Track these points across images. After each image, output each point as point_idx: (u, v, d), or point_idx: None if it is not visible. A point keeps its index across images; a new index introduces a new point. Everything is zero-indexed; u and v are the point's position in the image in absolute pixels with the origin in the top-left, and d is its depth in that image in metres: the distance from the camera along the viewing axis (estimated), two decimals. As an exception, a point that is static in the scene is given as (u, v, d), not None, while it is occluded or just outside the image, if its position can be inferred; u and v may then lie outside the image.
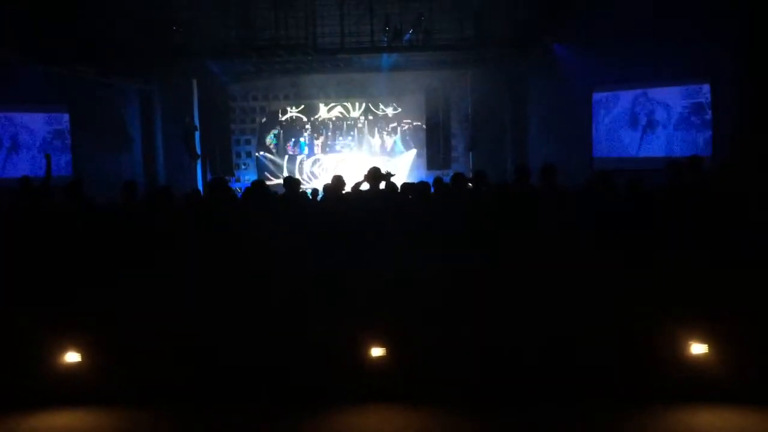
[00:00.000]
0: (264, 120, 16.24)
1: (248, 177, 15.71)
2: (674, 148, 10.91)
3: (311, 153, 16.36)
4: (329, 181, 6.80)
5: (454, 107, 15.81)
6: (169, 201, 5.92)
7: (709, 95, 10.54)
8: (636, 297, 4.60)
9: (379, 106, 16.32)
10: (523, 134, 14.72)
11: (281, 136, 16.27)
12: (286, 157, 16.24)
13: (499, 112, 14.97)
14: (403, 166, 16.04)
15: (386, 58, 13.79)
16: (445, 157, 15.50)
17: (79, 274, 4.98)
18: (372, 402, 4.63)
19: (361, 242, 5.34)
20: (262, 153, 16.23)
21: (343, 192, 6.62)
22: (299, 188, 7.25)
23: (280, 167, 16.17)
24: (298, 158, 16.29)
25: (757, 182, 5.31)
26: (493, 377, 4.64)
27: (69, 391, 4.74)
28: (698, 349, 4.53)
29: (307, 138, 16.32)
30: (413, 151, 16.25)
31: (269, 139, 16.25)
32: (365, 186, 6.41)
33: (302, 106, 16.27)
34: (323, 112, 16.33)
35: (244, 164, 16.20)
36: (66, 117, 13.41)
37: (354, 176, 7.65)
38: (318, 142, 16.35)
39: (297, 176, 15.26)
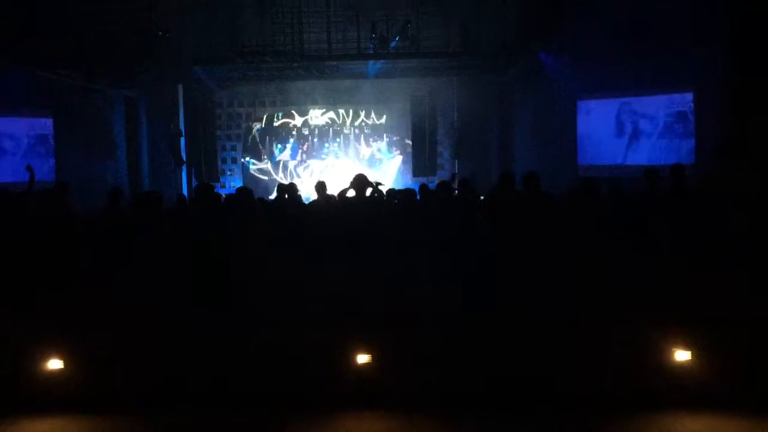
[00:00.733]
0: (250, 126, 16.20)
1: (234, 183, 15.67)
2: (659, 156, 11.00)
3: (296, 159, 16.31)
4: (314, 187, 6.83)
5: (441, 114, 15.84)
6: (154, 207, 5.90)
7: (692, 104, 10.66)
8: (618, 303, 4.63)
9: (365, 112, 16.33)
10: (508, 141, 14.80)
11: (267, 142, 16.23)
12: (272, 163, 16.21)
13: (484, 119, 15.05)
14: (389, 173, 16.06)
15: (372, 65, 13.82)
16: (431, 164, 15.53)
17: (61, 281, 4.95)
18: (358, 409, 4.62)
19: (348, 248, 5.36)
20: (247, 159, 16.18)
21: (328, 197, 6.64)
22: (297, 194, 7.19)
23: (265, 173, 16.13)
24: (285, 164, 16.25)
25: (737, 188, 5.38)
26: (479, 384, 4.65)
27: (52, 398, 4.70)
28: (681, 355, 4.57)
29: (292, 144, 16.30)
30: (399, 158, 16.27)
31: (254, 145, 16.20)
32: (351, 193, 6.41)
33: (288, 112, 16.25)
34: (309, 118, 16.32)
35: (230, 170, 16.14)
36: (50, 122, 13.29)
37: (340, 182, 7.66)
38: (304, 148, 16.32)
39: (282, 182, 15.29)
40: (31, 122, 13.23)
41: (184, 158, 14.81)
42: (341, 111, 16.34)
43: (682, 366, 4.56)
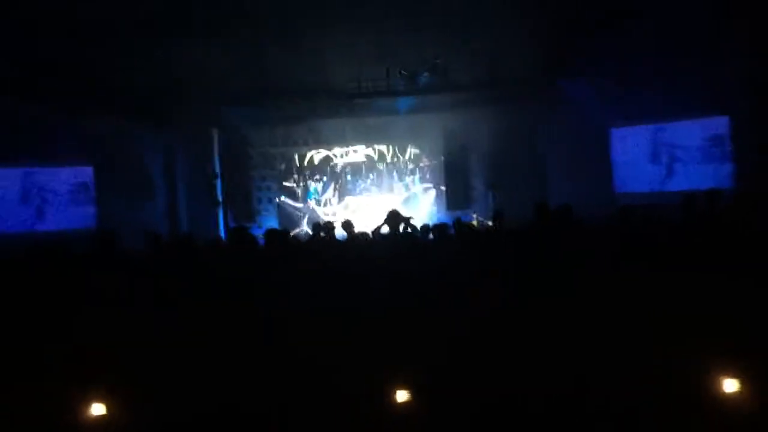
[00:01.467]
0: (283, 166, 16.39)
1: (269, 223, 15.80)
2: (698, 181, 10.83)
3: (330, 196, 16.42)
4: (346, 225, 6.86)
5: (473, 146, 15.83)
6: (190, 250, 5.98)
7: (727, 127, 10.51)
8: (662, 331, 4.52)
9: (397, 148, 16.40)
10: (542, 171, 14.71)
11: (301, 180, 16.38)
12: (306, 201, 16.33)
13: (517, 150, 14.97)
14: (423, 207, 16.06)
15: (403, 102, 13.93)
16: (465, 197, 15.51)
17: (106, 325, 5.01)
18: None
19: (382, 284, 5.34)
20: (282, 198, 16.34)
21: (357, 235, 6.66)
22: (334, 232, 7.23)
23: (301, 211, 16.26)
24: (319, 201, 16.36)
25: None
26: (519, 420, 4.56)
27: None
28: (730, 385, 4.43)
29: (326, 181, 16.42)
30: (432, 192, 16.27)
31: (288, 184, 16.37)
32: (385, 229, 6.42)
33: (321, 150, 16.41)
34: (341, 155, 16.45)
35: (266, 210, 16.29)
36: (90, 170, 13.67)
37: (374, 219, 7.69)
38: (337, 186, 16.43)
39: (319, 220, 15.40)
40: (72, 171, 13.63)
41: (220, 199, 15.04)
42: (373, 147, 16.43)
43: (729, 396, 4.41)
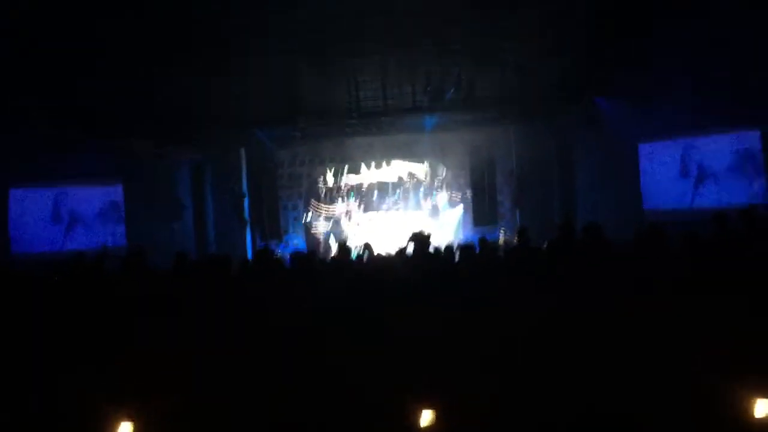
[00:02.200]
0: (311, 184, 16.47)
1: (296, 241, 15.88)
2: (729, 197, 10.64)
3: (358, 213, 16.44)
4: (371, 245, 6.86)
5: (499, 163, 15.79)
6: (219, 270, 6.02)
7: (759, 141, 10.34)
8: (695, 354, 4.43)
9: (423, 164, 16.41)
10: (570, 188, 14.59)
11: (328, 198, 16.45)
12: (333, 219, 16.38)
13: (544, 166, 14.89)
14: (450, 223, 16.01)
15: (429, 119, 13.95)
16: (492, 213, 15.43)
17: (132, 342, 5.06)
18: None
19: (408, 304, 5.32)
20: (309, 216, 16.39)
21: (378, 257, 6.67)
22: (350, 253, 7.27)
23: (328, 229, 16.30)
24: (346, 219, 16.40)
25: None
26: None
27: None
28: (763, 407, 4.31)
29: (353, 199, 16.45)
30: (460, 207, 16.22)
31: (316, 202, 16.44)
32: (410, 249, 6.42)
33: (347, 168, 16.46)
34: (368, 173, 16.49)
35: (292, 228, 16.36)
36: (120, 188, 13.89)
37: (400, 235, 7.69)
38: (364, 203, 16.45)
39: (344, 237, 15.44)
40: (103, 190, 13.87)
41: (248, 218, 15.17)
42: (399, 164, 16.44)
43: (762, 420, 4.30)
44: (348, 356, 4.82)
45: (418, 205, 16.35)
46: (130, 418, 4.79)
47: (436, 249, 6.55)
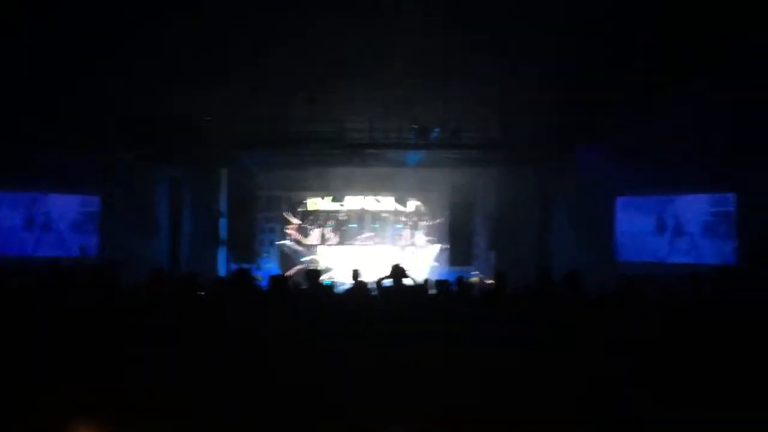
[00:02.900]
0: (289, 210, 16.44)
1: (269, 265, 15.79)
2: (703, 255, 10.85)
3: (334, 243, 16.42)
4: (353, 274, 6.84)
5: (479, 204, 15.93)
6: (192, 289, 5.97)
7: (733, 204, 10.57)
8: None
9: (403, 200, 16.48)
10: (546, 234, 14.71)
11: (306, 225, 16.41)
12: (309, 246, 16.33)
13: (522, 211, 15.00)
14: (426, 261, 16.04)
15: (412, 155, 14.05)
16: (468, 254, 15.52)
17: (100, 356, 4.97)
18: None
19: (383, 338, 5.30)
20: (285, 242, 16.34)
21: (366, 286, 6.65)
22: (319, 280, 7.26)
23: (302, 256, 16.24)
24: (321, 248, 16.36)
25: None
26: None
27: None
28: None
29: (330, 228, 16.44)
30: (437, 246, 16.27)
31: (293, 229, 16.39)
32: (389, 282, 6.42)
33: (328, 198, 16.49)
34: (348, 204, 16.52)
35: (266, 252, 16.27)
36: (97, 200, 13.75)
37: (375, 269, 7.69)
38: (341, 233, 16.44)
39: (319, 266, 15.37)
40: (80, 199, 13.72)
41: (224, 239, 15.07)
42: (379, 198, 16.51)
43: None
44: (322, 382, 4.79)
45: (394, 240, 16.38)
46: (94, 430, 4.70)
47: (414, 282, 6.57)
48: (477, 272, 15.20)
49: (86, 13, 8.60)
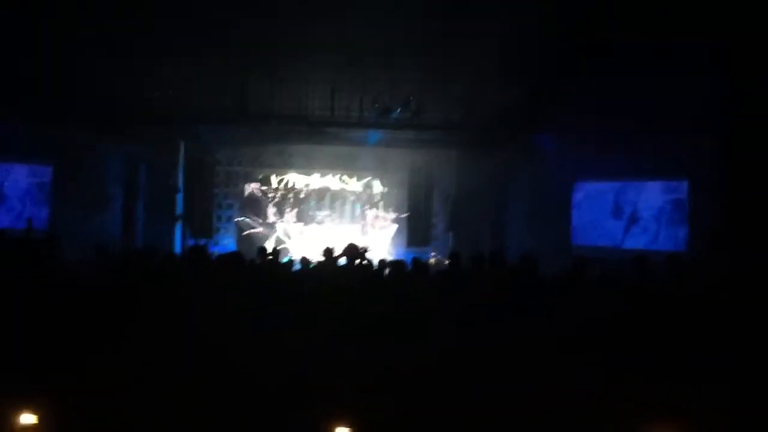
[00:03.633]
0: (247, 185, 16.24)
1: (226, 242, 15.63)
2: (658, 241, 11.07)
3: (291, 221, 16.29)
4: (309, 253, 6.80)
5: (437, 186, 15.97)
6: (143, 266, 5.86)
7: (686, 191, 10.78)
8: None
9: (363, 179, 16.42)
10: (503, 217, 14.81)
11: (263, 202, 16.26)
12: (266, 223, 16.18)
13: (481, 193, 15.07)
14: (383, 241, 16.04)
15: (373, 134, 13.99)
16: (425, 235, 15.58)
17: (38, 338, 4.86)
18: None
19: (334, 318, 5.28)
20: (243, 218, 16.16)
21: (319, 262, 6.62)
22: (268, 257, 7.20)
23: (259, 233, 16.08)
24: (279, 225, 16.23)
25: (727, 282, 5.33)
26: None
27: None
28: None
29: (288, 206, 16.31)
30: (394, 227, 16.27)
31: (250, 205, 16.21)
32: (342, 261, 6.39)
33: (287, 175, 16.34)
34: (307, 181, 16.39)
35: (224, 228, 16.08)
36: (49, 170, 13.40)
37: (332, 247, 7.64)
38: (299, 211, 16.32)
39: (277, 242, 15.31)
40: (32, 168, 13.36)
41: (179, 214, 14.83)
42: (339, 177, 16.43)
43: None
44: (267, 364, 4.75)
45: (352, 219, 16.33)
46: (33, 409, 4.60)
47: (369, 262, 6.55)
48: (435, 253, 15.27)
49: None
